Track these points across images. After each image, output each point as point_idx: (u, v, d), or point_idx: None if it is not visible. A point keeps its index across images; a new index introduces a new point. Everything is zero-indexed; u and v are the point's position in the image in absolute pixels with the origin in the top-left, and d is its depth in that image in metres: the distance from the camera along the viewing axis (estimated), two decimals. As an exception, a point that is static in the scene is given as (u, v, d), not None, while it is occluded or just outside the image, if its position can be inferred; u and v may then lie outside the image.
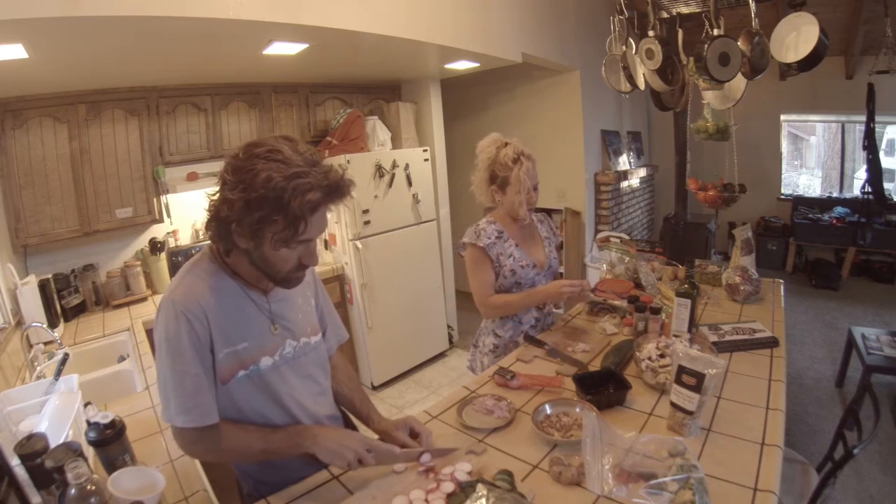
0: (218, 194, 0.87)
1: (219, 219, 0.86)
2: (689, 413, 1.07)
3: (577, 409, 1.19)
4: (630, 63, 2.32)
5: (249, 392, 0.98)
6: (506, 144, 1.62)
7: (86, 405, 1.25)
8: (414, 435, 1.11)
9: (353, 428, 1.30)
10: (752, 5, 1.86)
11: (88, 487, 0.85)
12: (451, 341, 3.82)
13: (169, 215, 2.78)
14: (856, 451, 1.24)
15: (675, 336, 1.49)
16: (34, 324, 1.93)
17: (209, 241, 0.97)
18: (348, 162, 2.91)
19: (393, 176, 3.17)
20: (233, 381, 0.95)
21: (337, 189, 0.88)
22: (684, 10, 2.21)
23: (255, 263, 0.92)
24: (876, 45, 3.88)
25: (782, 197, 5.39)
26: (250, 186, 0.80)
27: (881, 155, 4.57)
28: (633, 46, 2.30)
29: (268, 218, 0.82)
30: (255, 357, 0.97)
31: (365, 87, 3.57)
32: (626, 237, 3.46)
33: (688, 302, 1.52)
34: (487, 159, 1.64)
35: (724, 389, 1.27)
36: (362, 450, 0.97)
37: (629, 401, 1.26)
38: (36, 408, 1.28)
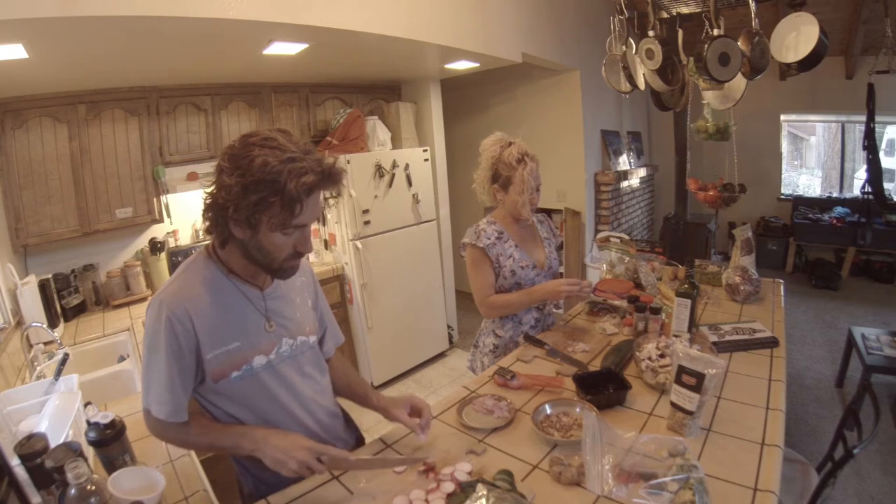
0: (215, 183, 0.87)
1: (217, 206, 0.86)
2: (689, 413, 1.07)
3: (577, 409, 1.19)
4: (630, 63, 2.32)
5: (245, 393, 0.99)
6: (510, 144, 1.62)
7: (86, 405, 1.25)
8: (416, 412, 1.13)
9: (355, 428, 1.30)
10: (752, 5, 1.86)
11: (88, 487, 0.85)
12: (451, 341, 3.82)
13: (169, 215, 2.78)
14: (856, 451, 1.24)
15: (675, 336, 1.49)
16: (34, 324, 1.93)
17: (207, 239, 0.97)
18: (348, 162, 2.91)
19: (393, 176, 3.17)
20: (224, 382, 0.96)
21: (330, 175, 0.89)
22: (684, 10, 2.20)
23: (250, 254, 0.93)
24: (876, 45, 3.88)
25: (782, 197, 5.39)
26: (247, 171, 0.82)
27: (881, 155, 4.57)
28: (633, 46, 2.30)
29: (265, 201, 0.83)
30: (247, 356, 0.97)
31: (365, 87, 3.57)
32: (626, 237, 3.46)
33: (688, 302, 1.52)
34: (491, 158, 1.64)
35: (724, 389, 1.27)
36: (311, 458, 0.93)
37: (629, 401, 1.26)
38: (36, 408, 1.28)
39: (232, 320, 0.96)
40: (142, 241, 2.85)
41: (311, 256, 3.22)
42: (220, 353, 0.94)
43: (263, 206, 0.84)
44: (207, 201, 0.89)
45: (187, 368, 0.93)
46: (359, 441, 1.29)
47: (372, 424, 1.32)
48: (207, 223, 0.91)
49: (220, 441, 0.97)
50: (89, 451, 1.10)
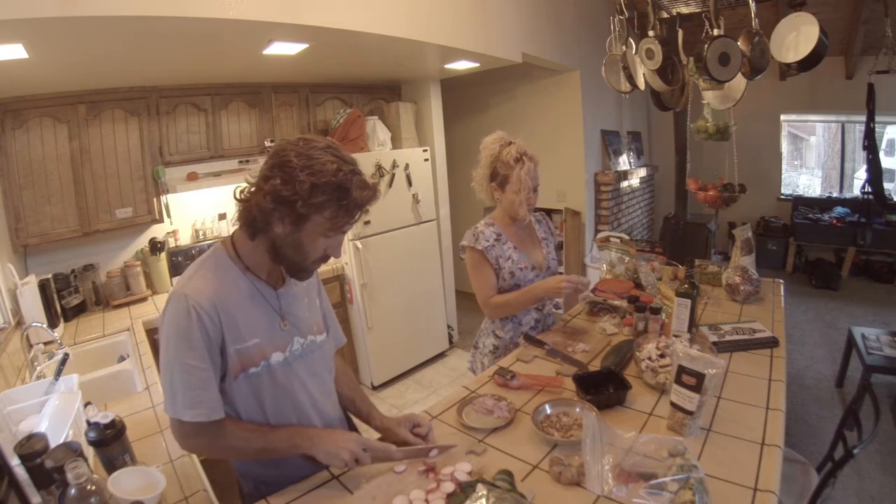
0: (277, 176, 0.86)
1: (280, 198, 0.86)
2: (689, 413, 1.07)
3: (577, 409, 1.19)
4: (630, 63, 2.32)
5: (261, 389, 0.99)
6: (510, 143, 1.62)
7: (86, 405, 1.25)
8: (416, 426, 1.13)
9: (355, 429, 1.30)
10: (752, 5, 1.86)
11: (88, 487, 0.85)
12: (451, 341, 3.82)
13: (169, 215, 2.78)
14: (856, 451, 1.24)
15: (675, 336, 1.49)
16: (34, 324, 1.93)
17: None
18: (348, 162, 2.91)
19: (393, 176, 3.17)
20: (243, 377, 0.97)
21: (376, 193, 0.96)
22: (684, 10, 2.21)
23: (280, 251, 0.94)
24: (876, 45, 3.88)
25: (782, 197, 5.39)
26: (319, 172, 0.86)
27: (881, 155, 4.57)
28: (633, 46, 2.30)
29: (330, 203, 0.88)
30: (265, 353, 0.98)
31: (365, 87, 3.57)
32: (626, 237, 3.46)
33: (688, 302, 1.52)
34: (490, 156, 1.64)
35: (724, 389, 1.27)
36: (358, 449, 0.98)
37: (629, 401, 1.26)
38: (36, 408, 1.28)
39: (251, 317, 0.97)
40: (142, 241, 2.85)
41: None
42: (241, 349, 0.95)
43: (324, 207, 0.88)
44: (266, 191, 0.87)
45: (217, 363, 0.93)
46: None
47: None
48: (250, 213, 0.91)
49: (275, 444, 0.98)
50: (89, 451, 1.10)
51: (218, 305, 0.91)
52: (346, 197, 0.88)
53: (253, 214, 0.91)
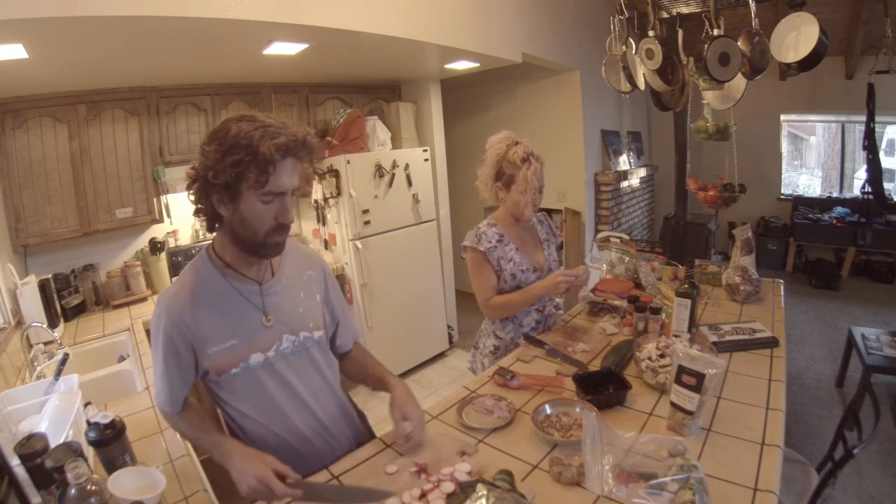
0: (199, 160, 0.92)
1: (198, 176, 0.91)
2: (689, 413, 1.07)
3: (577, 409, 1.19)
4: (630, 63, 2.32)
5: (244, 388, 1.01)
6: (516, 143, 1.61)
7: (86, 405, 1.25)
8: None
9: (365, 421, 1.32)
10: (752, 5, 1.86)
11: (88, 487, 0.85)
12: (451, 341, 3.82)
13: (169, 215, 2.78)
14: (856, 451, 1.24)
15: (675, 336, 1.49)
16: (34, 324, 1.93)
17: (207, 239, 1.00)
18: (348, 162, 2.91)
19: (393, 176, 3.17)
20: (226, 377, 0.99)
21: (304, 144, 0.92)
22: (684, 10, 2.21)
23: (235, 234, 0.95)
24: (876, 45, 3.88)
25: (782, 197, 5.39)
26: (224, 139, 0.87)
27: (881, 155, 4.57)
28: (633, 46, 2.30)
29: (240, 163, 0.86)
30: (243, 354, 1.00)
31: (365, 87, 3.57)
32: (626, 237, 3.46)
33: (688, 302, 1.52)
34: (496, 155, 1.63)
35: (724, 389, 1.27)
36: (270, 478, 0.88)
37: (629, 401, 1.26)
38: (36, 408, 1.28)
39: (227, 319, 0.98)
40: (142, 241, 2.85)
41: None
42: (220, 350, 0.97)
43: (239, 169, 0.87)
44: (191, 177, 0.93)
45: (185, 364, 0.98)
46: (371, 437, 1.28)
47: (380, 419, 1.32)
48: (194, 204, 0.95)
49: (200, 443, 1.03)
50: (89, 451, 1.10)
51: (186, 311, 0.95)
52: (253, 153, 0.86)
53: (196, 199, 0.95)
